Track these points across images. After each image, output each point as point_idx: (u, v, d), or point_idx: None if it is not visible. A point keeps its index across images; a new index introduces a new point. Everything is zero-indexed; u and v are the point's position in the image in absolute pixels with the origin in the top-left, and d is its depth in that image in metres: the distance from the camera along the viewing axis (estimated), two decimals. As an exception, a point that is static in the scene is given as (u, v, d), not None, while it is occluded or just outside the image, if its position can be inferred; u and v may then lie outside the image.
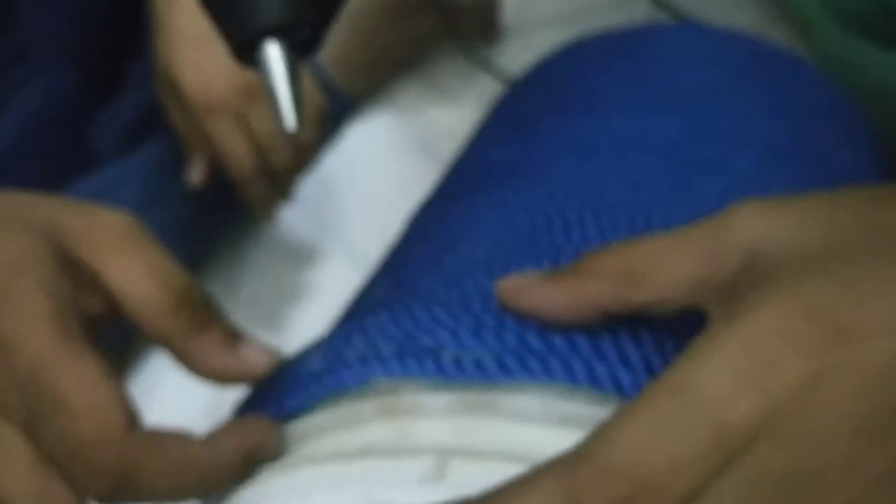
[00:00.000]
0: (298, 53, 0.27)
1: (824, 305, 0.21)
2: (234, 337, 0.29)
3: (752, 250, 0.23)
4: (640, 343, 0.26)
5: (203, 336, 0.28)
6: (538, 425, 0.25)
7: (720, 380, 0.20)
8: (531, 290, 0.27)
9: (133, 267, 0.27)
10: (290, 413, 0.28)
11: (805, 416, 0.20)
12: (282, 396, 0.29)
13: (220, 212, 0.62)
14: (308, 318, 0.55)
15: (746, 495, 0.20)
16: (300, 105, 0.27)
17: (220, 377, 0.29)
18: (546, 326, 0.26)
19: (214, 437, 0.27)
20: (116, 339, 0.74)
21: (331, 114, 0.60)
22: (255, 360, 0.29)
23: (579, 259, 0.26)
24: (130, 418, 0.25)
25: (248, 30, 0.26)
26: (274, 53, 0.26)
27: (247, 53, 0.27)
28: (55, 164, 0.60)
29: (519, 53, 0.65)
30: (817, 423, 0.20)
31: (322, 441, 0.27)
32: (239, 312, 0.63)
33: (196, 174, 0.56)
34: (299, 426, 0.28)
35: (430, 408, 0.26)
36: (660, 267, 0.25)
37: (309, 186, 0.61)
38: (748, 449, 0.20)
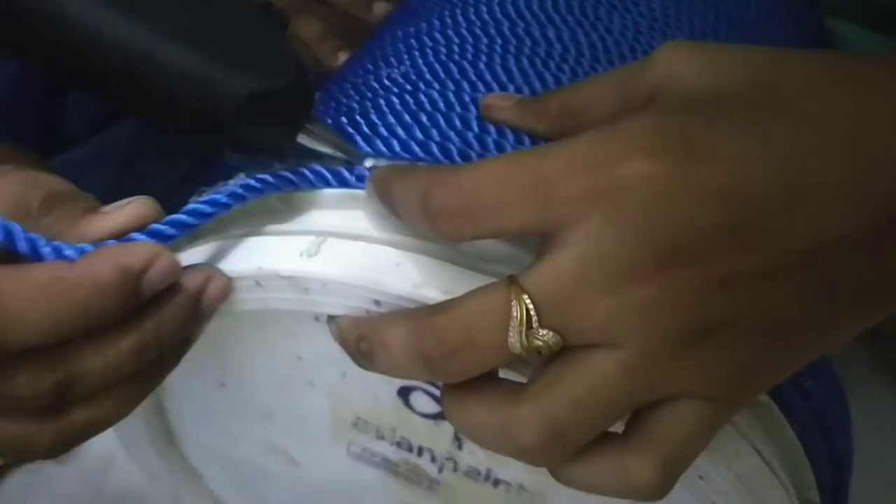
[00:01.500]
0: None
1: (681, 127, 0.22)
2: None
3: (655, 87, 0.25)
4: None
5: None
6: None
7: (562, 159, 0.23)
8: (503, 110, 0.32)
9: None
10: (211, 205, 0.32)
11: (633, 208, 0.22)
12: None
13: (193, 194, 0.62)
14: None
15: (575, 271, 0.22)
16: None
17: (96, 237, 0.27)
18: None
19: (87, 256, 0.25)
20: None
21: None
22: (118, 213, 0.28)
23: (541, 95, 0.31)
24: None
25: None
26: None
27: None
28: (29, 145, 0.61)
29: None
30: (642, 218, 0.22)
31: (236, 224, 0.31)
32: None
33: None
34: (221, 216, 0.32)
35: (324, 201, 0.30)
36: (591, 107, 0.28)
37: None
38: (576, 224, 0.22)
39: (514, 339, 0.23)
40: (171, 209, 0.29)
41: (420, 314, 0.25)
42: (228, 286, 0.28)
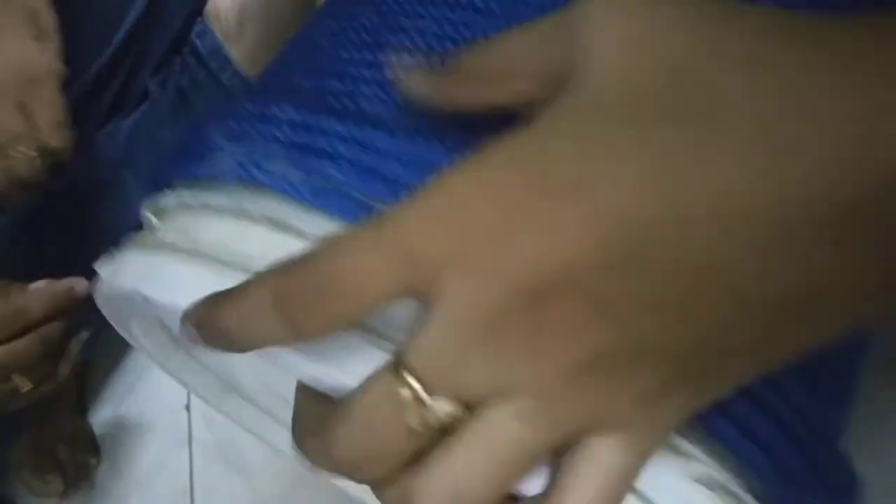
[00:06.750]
0: None
1: (547, 160, 0.21)
2: None
3: (575, 65, 0.23)
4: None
5: None
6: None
7: (414, 215, 0.22)
8: (418, 81, 0.27)
9: None
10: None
11: (492, 258, 0.21)
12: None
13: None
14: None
15: (448, 335, 0.22)
16: None
17: None
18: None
19: None
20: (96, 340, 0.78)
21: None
22: None
23: (458, 58, 0.26)
24: None
25: None
26: None
27: None
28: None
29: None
30: (495, 262, 0.21)
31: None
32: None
33: None
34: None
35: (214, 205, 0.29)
36: (516, 64, 0.25)
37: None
38: (437, 282, 0.22)
39: (412, 419, 0.23)
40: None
41: (318, 434, 0.24)
42: None
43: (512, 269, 0.21)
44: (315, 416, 0.25)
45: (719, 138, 0.20)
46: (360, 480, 0.24)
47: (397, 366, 0.23)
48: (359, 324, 0.24)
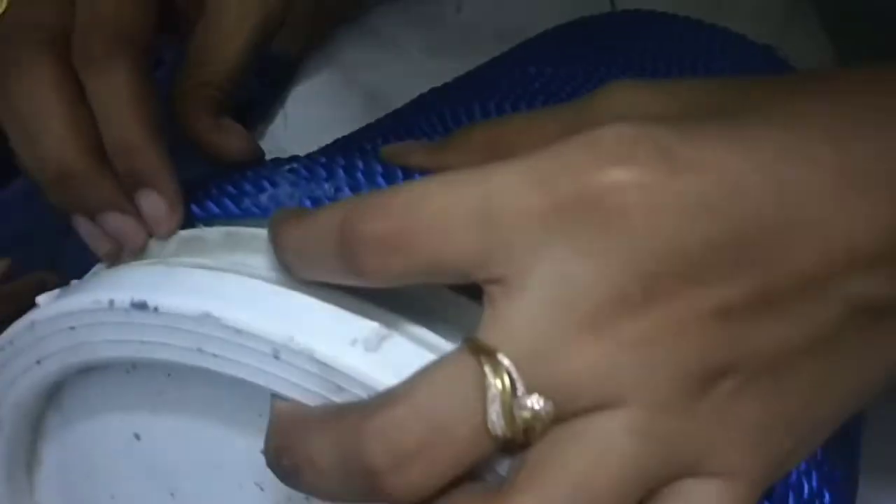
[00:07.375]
0: None
1: (655, 137, 0.19)
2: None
3: (610, 116, 0.21)
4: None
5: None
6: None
7: (512, 173, 0.19)
8: (410, 155, 0.28)
9: None
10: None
11: (607, 225, 0.18)
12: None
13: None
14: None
15: (545, 317, 0.19)
16: None
17: None
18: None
19: None
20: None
21: (271, 77, 0.61)
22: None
23: (457, 131, 0.27)
24: None
25: None
26: None
27: None
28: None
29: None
30: (620, 236, 0.18)
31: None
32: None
33: None
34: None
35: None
36: (525, 140, 0.24)
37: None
38: (534, 256, 0.19)
39: (497, 418, 0.18)
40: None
41: (356, 412, 0.20)
42: None
43: (637, 248, 0.18)
44: (328, 415, 0.21)
45: (805, 138, 0.20)
46: (385, 497, 0.19)
47: (480, 348, 0.19)
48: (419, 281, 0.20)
